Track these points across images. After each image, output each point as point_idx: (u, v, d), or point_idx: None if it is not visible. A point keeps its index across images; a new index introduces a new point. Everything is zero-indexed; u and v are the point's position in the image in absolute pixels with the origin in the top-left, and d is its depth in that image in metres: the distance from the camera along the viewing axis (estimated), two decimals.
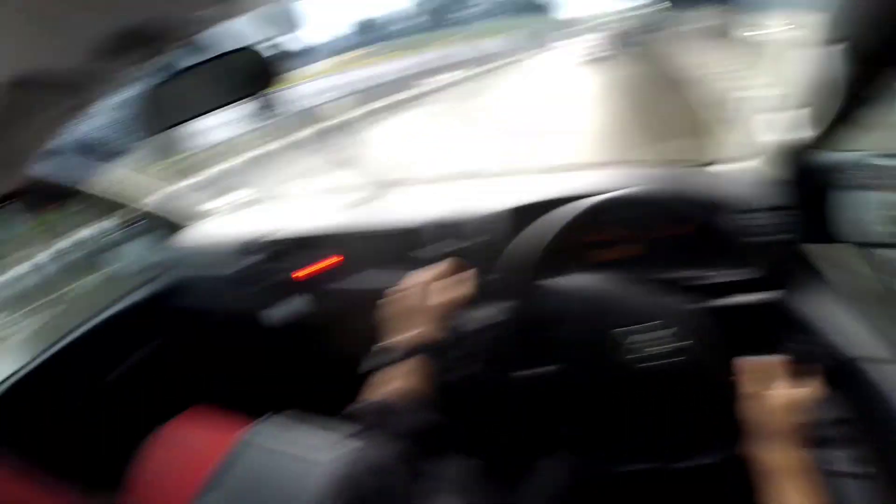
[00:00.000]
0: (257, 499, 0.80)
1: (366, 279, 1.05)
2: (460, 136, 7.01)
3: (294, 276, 1.08)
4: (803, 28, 0.68)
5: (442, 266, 0.65)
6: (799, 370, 0.64)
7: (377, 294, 0.99)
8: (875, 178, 0.74)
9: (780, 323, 0.65)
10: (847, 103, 0.65)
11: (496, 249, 0.86)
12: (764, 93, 0.83)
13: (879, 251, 0.75)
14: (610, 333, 0.65)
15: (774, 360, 0.65)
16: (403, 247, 0.99)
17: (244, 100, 0.57)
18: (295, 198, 1.33)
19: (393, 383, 0.52)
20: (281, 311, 1.12)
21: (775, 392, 0.62)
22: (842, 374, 0.70)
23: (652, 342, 0.64)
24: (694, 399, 0.66)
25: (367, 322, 1.03)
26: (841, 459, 0.67)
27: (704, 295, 0.80)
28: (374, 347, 0.58)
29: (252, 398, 1.07)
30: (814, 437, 0.68)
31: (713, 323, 0.67)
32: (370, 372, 0.56)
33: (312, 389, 1.21)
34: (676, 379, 0.64)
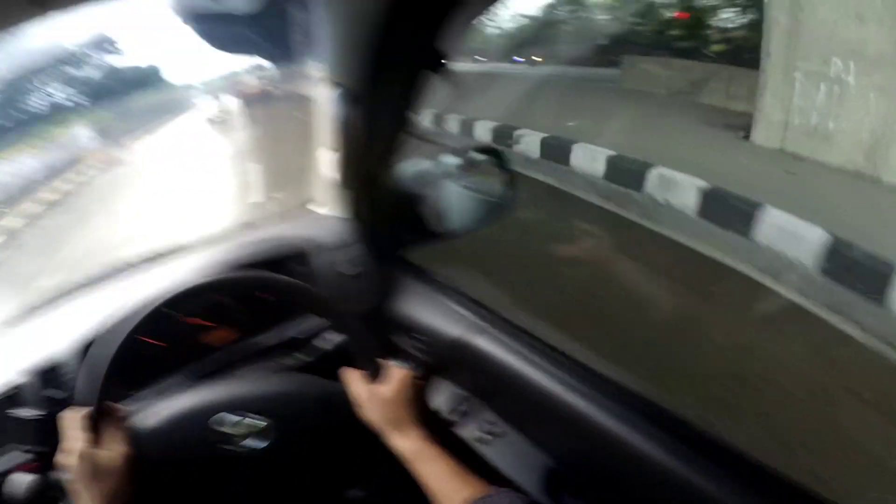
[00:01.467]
0: None
1: None
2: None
3: None
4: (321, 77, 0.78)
5: (83, 423, 0.59)
6: (395, 364, 0.71)
7: None
8: (444, 177, 0.86)
9: (386, 333, 0.75)
10: (369, 134, 0.73)
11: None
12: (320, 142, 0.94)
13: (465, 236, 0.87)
14: (206, 427, 0.63)
15: (363, 361, 0.70)
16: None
17: None
18: None
19: None
20: None
21: (378, 388, 0.68)
22: (451, 355, 0.79)
23: (241, 425, 0.64)
24: (319, 449, 0.69)
25: None
26: (472, 430, 0.76)
27: (308, 346, 0.85)
28: None
29: None
30: (441, 417, 0.79)
31: (309, 374, 0.71)
32: None
33: None
34: (289, 446, 0.65)
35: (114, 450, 0.59)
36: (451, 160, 0.87)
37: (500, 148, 0.87)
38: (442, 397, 0.82)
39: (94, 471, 0.56)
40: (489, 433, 0.75)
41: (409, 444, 0.64)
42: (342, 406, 0.68)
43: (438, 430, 0.67)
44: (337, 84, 0.69)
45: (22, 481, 0.63)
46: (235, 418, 0.64)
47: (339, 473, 0.72)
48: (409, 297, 0.92)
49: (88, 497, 0.55)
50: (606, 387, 0.64)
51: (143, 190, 7.20)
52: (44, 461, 0.67)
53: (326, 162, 0.91)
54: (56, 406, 0.72)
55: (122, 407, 0.64)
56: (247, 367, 0.83)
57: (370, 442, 0.67)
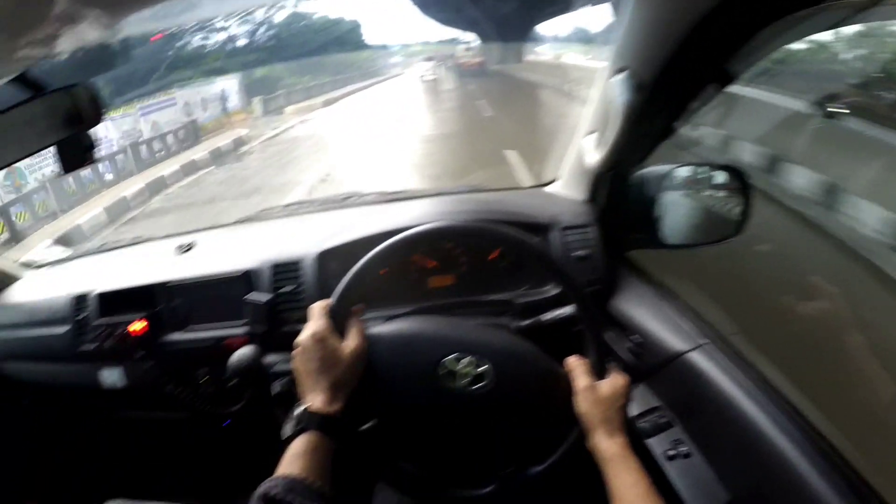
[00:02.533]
0: None
1: (202, 329, 1.01)
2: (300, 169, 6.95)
3: (127, 332, 0.99)
4: (602, 59, 0.79)
5: (323, 316, 0.64)
6: (616, 366, 0.71)
7: (209, 345, 0.97)
8: (677, 186, 0.87)
9: (599, 328, 0.72)
10: (634, 126, 0.74)
11: (311, 295, 0.89)
12: (579, 119, 0.96)
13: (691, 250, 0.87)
14: (430, 365, 0.67)
15: (594, 357, 0.70)
16: (227, 295, 0.97)
17: (65, 141, 0.55)
18: (126, 248, 1.25)
19: (297, 461, 0.53)
20: (114, 378, 1.03)
21: (598, 385, 0.68)
22: (662, 366, 0.78)
23: (470, 367, 0.67)
24: (519, 415, 0.70)
25: (207, 374, 1.01)
26: (662, 443, 0.74)
27: (525, 314, 0.86)
28: (291, 412, 0.58)
29: (87, 482, 0.97)
30: (636, 425, 0.76)
31: (530, 342, 0.72)
32: (288, 438, 0.56)
33: (158, 460, 1.13)
34: (499, 399, 0.67)
35: (349, 342, 0.63)
36: (693, 170, 0.86)
37: (741, 168, 0.83)
38: (640, 404, 0.81)
39: (327, 355, 0.60)
40: (676, 451, 0.74)
41: (611, 447, 0.63)
42: (558, 381, 0.69)
43: (630, 436, 0.66)
44: (624, 68, 0.69)
45: (244, 352, 0.74)
46: (465, 357, 0.67)
47: (534, 443, 0.72)
48: (629, 296, 0.91)
49: (313, 379, 0.60)
50: (816, 439, 0.60)
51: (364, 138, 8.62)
52: (262, 341, 0.81)
53: (578, 142, 0.94)
54: (281, 297, 0.92)
55: (363, 306, 0.69)
56: (464, 315, 0.88)
57: (566, 426, 0.68)
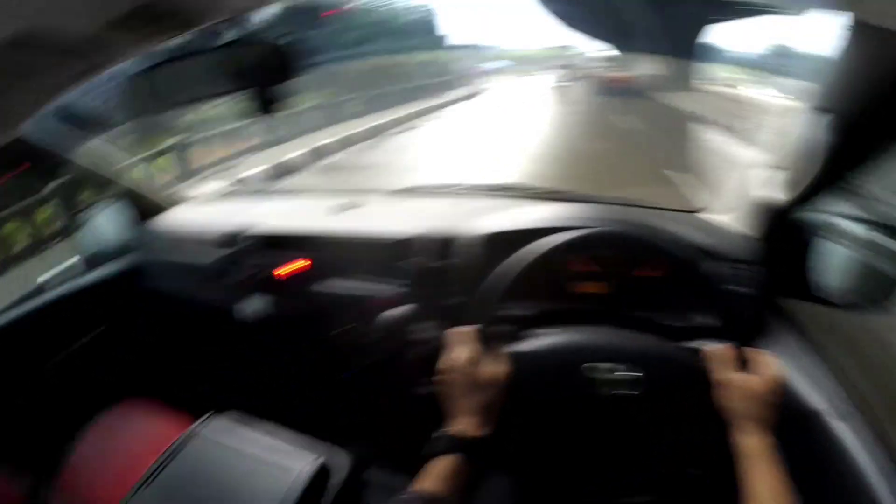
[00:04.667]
0: (200, 493, 0.76)
1: (343, 285, 1.04)
2: (457, 151, 7.04)
3: (273, 273, 1.06)
4: (795, 94, 0.74)
5: (472, 338, 0.66)
6: (760, 359, 0.67)
7: (353, 300, 0.99)
8: (847, 241, 0.79)
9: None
10: (828, 170, 0.69)
11: (469, 273, 0.88)
12: (753, 150, 0.88)
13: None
14: (580, 375, 0.66)
15: (740, 348, 0.67)
16: (383, 257, 1.00)
17: (253, 91, 0.57)
18: (282, 195, 1.32)
19: (435, 481, 0.54)
20: (254, 308, 1.10)
21: (747, 378, 0.64)
22: (800, 424, 0.73)
23: (621, 375, 0.65)
24: (665, 422, 0.69)
25: (339, 328, 1.04)
26: None
27: (669, 337, 0.81)
28: (436, 433, 0.60)
29: (203, 395, 1.04)
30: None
31: (676, 363, 0.69)
32: (429, 456, 0.57)
33: (273, 392, 1.18)
34: (647, 407, 0.66)
35: (494, 367, 0.64)
36: (873, 226, 0.77)
37: None
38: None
39: (474, 382, 0.61)
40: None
41: (757, 443, 0.61)
42: (705, 380, 0.67)
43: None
44: (825, 110, 0.67)
45: (401, 311, 0.78)
46: (610, 366, 0.66)
47: (689, 444, 0.72)
48: (777, 347, 0.85)
49: (461, 405, 0.61)
50: None
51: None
52: (416, 306, 0.85)
53: (748, 174, 0.92)
54: (445, 269, 0.94)
55: (507, 329, 0.69)
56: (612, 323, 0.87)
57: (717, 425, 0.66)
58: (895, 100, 0.57)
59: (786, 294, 0.90)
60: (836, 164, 0.68)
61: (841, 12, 0.56)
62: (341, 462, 0.83)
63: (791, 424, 0.72)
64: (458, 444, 0.57)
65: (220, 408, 0.94)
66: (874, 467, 0.63)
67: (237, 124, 6.80)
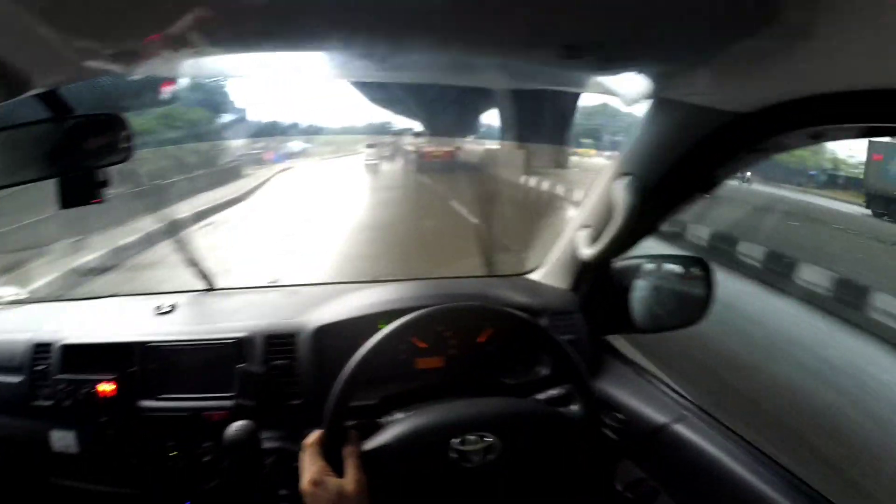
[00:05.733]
0: None
1: (173, 400, 0.92)
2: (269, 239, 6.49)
3: (92, 391, 0.89)
4: (608, 160, 0.90)
5: (317, 457, 0.63)
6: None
7: (187, 415, 0.91)
8: (651, 277, 0.97)
9: (594, 404, 0.75)
10: (631, 224, 0.82)
11: (307, 371, 0.87)
12: (571, 212, 1.05)
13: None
14: (439, 457, 0.66)
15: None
16: (211, 363, 0.92)
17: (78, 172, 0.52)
18: (98, 300, 1.14)
19: None
20: (74, 434, 0.91)
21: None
22: (646, 440, 0.81)
23: (478, 444, 0.66)
24: (539, 475, 0.71)
25: (176, 448, 0.92)
26: None
27: (515, 394, 0.87)
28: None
29: None
30: (621, 496, 0.81)
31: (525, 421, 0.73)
32: None
33: None
34: (512, 465, 0.68)
35: (351, 475, 0.61)
36: (663, 261, 0.97)
37: (705, 259, 0.95)
38: (625, 478, 0.85)
39: (330, 497, 0.59)
40: None
41: None
42: (561, 426, 0.72)
43: None
44: (629, 173, 0.79)
45: (242, 426, 0.71)
46: (473, 437, 0.66)
47: (556, 488, 0.74)
48: (610, 377, 0.96)
49: None
50: (805, 490, 0.64)
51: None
52: (250, 414, 0.78)
53: (567, 234, 1.03)
54: (277, 370, 0.89)
55: (355, 433, 0.67)
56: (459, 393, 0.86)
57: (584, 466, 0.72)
58: (689, 165, 0.70)
59: (611, 332, 1.04)
60: (638, 218, 0.81)
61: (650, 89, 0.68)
62: None
63: (645, 440, 0.82)
64: None
65: None
66: (725, 454, 0.71)
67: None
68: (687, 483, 0.77)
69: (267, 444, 0.69)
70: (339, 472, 0.62)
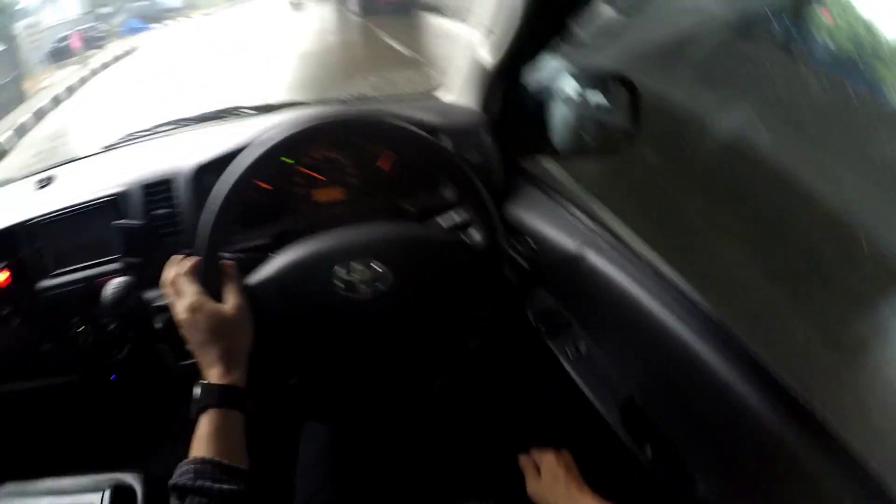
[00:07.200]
0: None
1: (72, 271, 0.85)
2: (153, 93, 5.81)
3: None
4: None
5: (192, 283, 0.58)
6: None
7: (87, 284, 0.83)
8: (571, 94, 0.84)
9: (498, 230, 0.71)
10: (529, 28, 0.72)
11: (189, 217, 0.80)
12: (462, 26, 0.93)
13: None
14: (323, 288, 0.62)
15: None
16: (106, 223, 0.82)
17: None
18: None
19: (205, 442, 0.50)
20: None
21: (544, 478, 0.68)
22: (558, 268, 0.80)
23: (365, 273, 0.63)
24: (428, 310, 0.69)
25: (83, 323, 0.86)
26: (563, 344, 0.79)
27: (420, 219, 0.84)
28: (196, 386, 0.54)
29: None
30: (530, 324, 0.82)
31: (424, 249, 0.70)
32: (194, 414, 0.52)
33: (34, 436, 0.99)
34: (404, 297, 0.65)
35: (231, 302, 0.58)
36: (585, 77, 0.82)
37: (630, 77, 0.79)
38: (539, 306, 0.84)
39: (209, 324, 0.55)
40: (577, 350, 0.77)
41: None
42: (456, 253, 0.69)
43: (530, 339, 0.68)
44: None
45: (117, 284, 0.68)
46: (360, 266, 0.62)
47: (453, 323, 0.73)
48: (523, 202, 0.90)
49: (204, 352, 0.55)
50: (711, 323, 0.61)
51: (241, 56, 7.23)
52: (139, 274, 0.74)
53: (471, 46, 0.91)
54: (157, 221, 0.82)
55: (231, 264, 0.62)
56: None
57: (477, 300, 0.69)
58: None
59: (524, 154, 0.96)
60: (538, 15, 0.70)
61: None
62: (134, 481, 0.74)
63: (556, 268, 0.80)
64: (210, 396, 0.52)
65: None
66: (635, 284, 0.68)
67: None
68: (596, 314, 0.77)
69: (160, 301, 0.63)
70: (218, 300, 0.58)
